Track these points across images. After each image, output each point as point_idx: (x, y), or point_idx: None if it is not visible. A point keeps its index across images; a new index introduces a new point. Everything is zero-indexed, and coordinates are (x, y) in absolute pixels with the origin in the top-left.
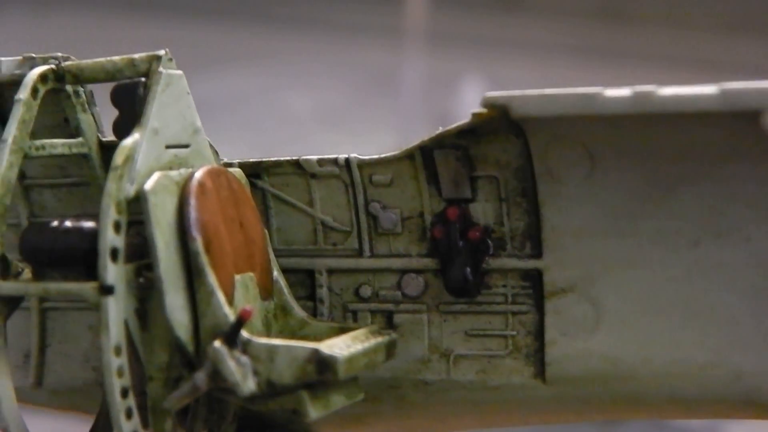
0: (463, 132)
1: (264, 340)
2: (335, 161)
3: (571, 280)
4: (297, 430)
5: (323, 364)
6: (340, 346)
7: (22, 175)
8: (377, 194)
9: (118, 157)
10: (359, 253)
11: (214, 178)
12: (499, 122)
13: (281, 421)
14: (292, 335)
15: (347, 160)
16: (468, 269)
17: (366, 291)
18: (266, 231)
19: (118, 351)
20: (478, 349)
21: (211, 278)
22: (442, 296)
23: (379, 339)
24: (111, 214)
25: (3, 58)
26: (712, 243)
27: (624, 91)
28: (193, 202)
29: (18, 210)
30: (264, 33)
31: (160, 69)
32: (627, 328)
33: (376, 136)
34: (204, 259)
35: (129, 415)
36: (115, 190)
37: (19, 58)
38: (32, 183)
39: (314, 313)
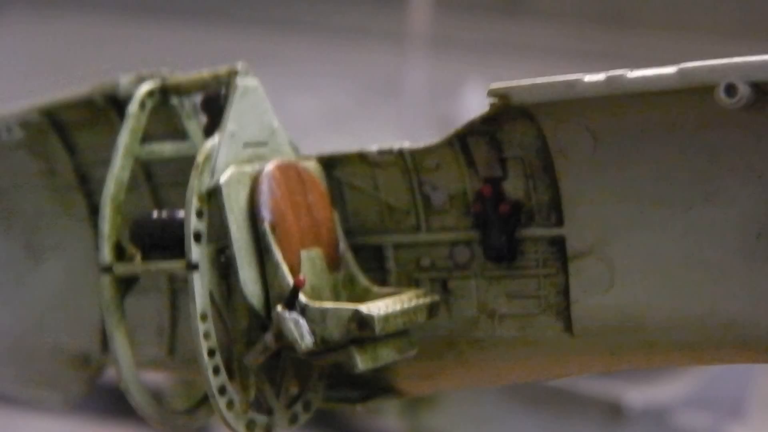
0: (488, 119)
1: (318, 304)
2: (391, 151)
3: (588, 243)
4: (382, 386)
5: (363, 322)
6: (380, 307)
7: (149, 177)
8: (428, 177)
9: (199, 157)
10: (417, 229)
11: (283, 170)
12: (512, 109)
13: (367, 379)
14: (358, 301)
15: (401, 150)
16: (503, 238)
17: (425, 261)
18: (336, 213)
19: (204, 317)
20: (517, 309)
21: (277, 254)
22: (486, 264)
23: (422, 300)
24: (194, 203)
25: (120, 78)
26: (702, 205)
27: (599, 76)
28: (261, 190)
29: (146, 206)
30: (269, 37)
31: (237, 80)
32: (636, 284)
33: (379, 139)
34: (270, 239)
35: (216, 371)
36: (197, 183)
37: (133, 76)
38: (159, 183)
39: (384, 283)
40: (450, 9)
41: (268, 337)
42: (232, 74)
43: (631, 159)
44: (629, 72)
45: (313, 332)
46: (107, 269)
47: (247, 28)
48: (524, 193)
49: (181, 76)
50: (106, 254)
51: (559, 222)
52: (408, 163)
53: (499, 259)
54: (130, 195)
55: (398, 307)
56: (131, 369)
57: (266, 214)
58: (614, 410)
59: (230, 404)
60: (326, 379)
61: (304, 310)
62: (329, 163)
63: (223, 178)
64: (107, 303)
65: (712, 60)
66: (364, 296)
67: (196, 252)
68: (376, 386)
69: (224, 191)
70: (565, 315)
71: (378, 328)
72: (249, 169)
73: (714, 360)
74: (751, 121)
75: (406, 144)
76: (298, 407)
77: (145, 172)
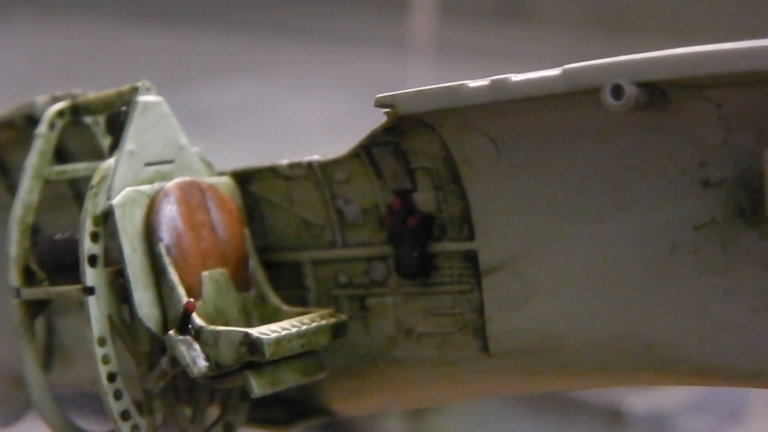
0: (390, 129)
1: (211, 327)
2: (300, 164)
3: (500, 258)
4: (312, 405)
5: (252, 345)
6: (273, 329)
7: (77, 195)
8: (340, 190)
9: (94, 178)
10: (333, 245)
11: (184, 188)
12: (409, 119)
13: (296, 398)
14: (268, 321)
15: (310, 163)
16: (414, 253)
17: (342, 278)
18: (246, 230)
19: (101, 342)
20: (435, 327)
21: (173, 276)
22: (402, 280)
23: (324, 321)
24: (88, 226)
25: (37, 99)
26: (614, 216)
27: (483, 81)
28: (157, 210)
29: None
30: (270, 43)
31: (137, 98)
32: (549, 302)
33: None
34: (165, 260)
35: (117, 396)
36: (91, 205)
37: (48, 97)
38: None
39: (303, 301)
40: (451, 16)
41: (164, 362)
42: (133, 91)
43: (537, 168)
44: (514, 76)
45: (207, 356)
46: (16, 293)
47: (249, 34)
48: (435, 206)
49: (92, 95)
50: (14, 278)
51: (471, 235)
52: (319, 176)
53: (411, 275)
54: (60, 214)
55: (294, 330)
56: (43, 390)
57: (162, 235)
58: (614, 415)
59: (135, 428)
60: (250, 400)
61: (198, 333)
62: (243, 179)
63: (116, 200)
64: (17, 326)
65: (599, 60)
66: (275, 316)
67: (92, 276)
68: (306, 406)
69: (117, 212)
70: (481, 333)
71: (268, 353)
72: (146, 188)
73: (637, 383)
74: (654, 123)
75: (316, 156)
76: (218, 429)
77: (74, 190)
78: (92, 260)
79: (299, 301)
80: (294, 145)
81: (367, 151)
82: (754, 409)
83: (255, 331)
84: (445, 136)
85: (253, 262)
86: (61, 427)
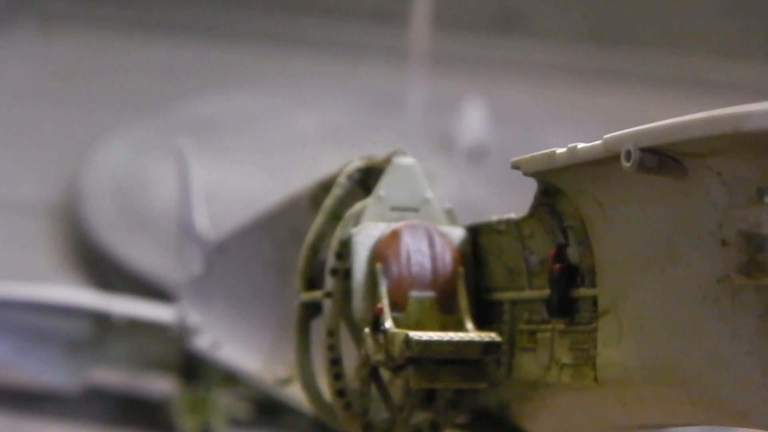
0: (545, 192)
1: (391, 328)
2: (504, 221)
3: (608, 303)
4: (510, 426)
5: (408, 344)
6: (431, 335)
7: None
8: (527, 244)
9: (349, 213)
10: (523, 288)
11: (413, 228)
12: (548, 183)
13: (498, 417)
14: None
15: (508, 220)
16: (555, 297)
17: (526, 315)
18: (461, 269)
19: (330, 334)
20: (572, 359)
21: (383, 290)
22: (558, 320)
23: (478, 338)
24: (334, 247)
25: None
26: (669, 270)
27: (562, 149)
28: (384, 239)
29: None
30: (271, 55)
31: (394, 159)
32: (633, 340)
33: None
34: (380, 278)
35: (337, 378)
36: (340, 232)
37: (359, 161)
38: None
39: (498, 332)
40: (450, 28)
41: (362, 353)
42: (392, 154)
43: (625, 227)
44: (579, 145)
45: (386, 350)
46: (297, 297)
47: (251, 45)
48: (579, 258)
49: (376, 157)
50: (298, 286)
51: (594, 284)
52: (514, 231)
53: (553, 314)
54: None
55: (446, 338)
56: (311, 380)
57: (381, 259)
58: None
59: (348, 406)
60: (457, 409)
61: (384, 333)
62: (474, 231)
63: (356, 228)
64: (295, 325)
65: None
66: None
67: (330, 284)
68: (508, 425)
69: (354, 238)
70: (594, 365)
71: (416, 350)
72: (383, 224)
73: (698, 421)
74: (684, 189)
75: (513, 215)
76: (424, 424)
77: None
78: (333, 272)
79: (497, 333)
80: (295, 154)
81: (537, 211)
82: None
83: (414, 334)
84: (573, 198)
85: (462, 294)
86: (324, 409)
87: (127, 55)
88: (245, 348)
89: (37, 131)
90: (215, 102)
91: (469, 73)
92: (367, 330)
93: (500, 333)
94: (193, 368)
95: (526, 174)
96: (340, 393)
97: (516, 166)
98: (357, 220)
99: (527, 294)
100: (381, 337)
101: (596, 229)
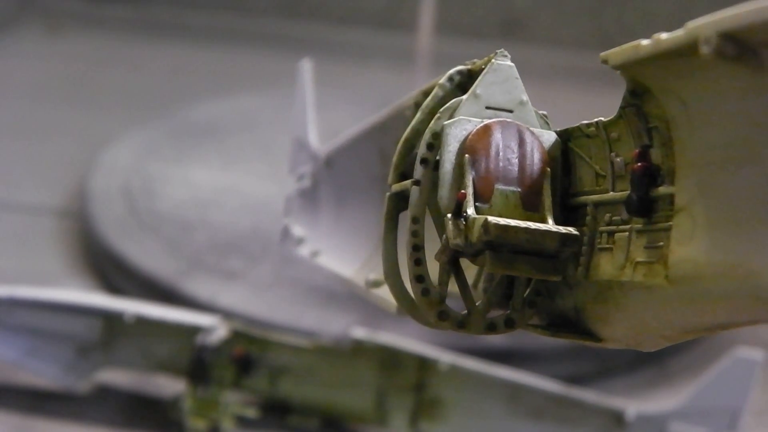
0: (633, 93)
1: (472, 214)
2: (591, 124)
3: (684, 201)
4: (583, 329)
5: (486, 228)
6: (509, 221)
7: None
8: (614, 146)
9: (442, 108)
10: (608, 191)
11: (504, 125)
12: (637, 82)
13: (571, 318)
14: None
15: (597, 123)
16: (635, 196)
17: (607, 217)
18: (548, 169)
19: (414, 220)
20: (646, 257)
21: (469, 181)
22: (635, 219)
23: (556, 230)
24: (427, 138)
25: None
26: (749, 167)
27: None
28: (476, 133)
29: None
30: (277, 58)
31: (494, 60)
32: (707, 238)
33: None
34: (468, 168)
35: (418, 263)
36: (433, 124)
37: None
38: None
39: (583, 237)
40: (452, 31)
41: (444, 237)
42: (493, 56)
43: (708, 125)
44: (662, 34)
45: (465, 236)
46: (389, 188)
47: (256, 48)
48: (661, 159)
49: (479, 62)
50: (391, 177)
51: (673, 182)
52: (602, 134)
53: (633, 213)
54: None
55: (524, 225)
56: (395, 266)
57: (471, 151)
58: (617, 419)
59: (425, 292)
60: (533, 308)
61: (465, 219)
62: (565, 137)
63: (449, 121)
64: (385, 215)
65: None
66: None
67: (419, 172)
68: (580, 326)
69: (446, 129)
70: (665, 263)
71: (494, 234)
72: (476, 119)
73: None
74: (754, 83)
75: (602, 117)
76: (499, 319)
77: None
78: (423, 161)
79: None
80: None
81: (625, 113)
82: (749, 417)
83: (493, 218)
84: (658, 97)
85: (547, 193)
86: (404, 297)
87: (134, 56)
88: (343, 256)
89: (46, 132)
90: (222, 104)
91: None
92: (449, 215)
93: (582, 235)
94: (202, 369)
95: (615, 67)
96: (418, 278)
97: (604, 60)
98: (451, 114)
99: (610, 196)
100: (461, 223)
101: (679, 129)
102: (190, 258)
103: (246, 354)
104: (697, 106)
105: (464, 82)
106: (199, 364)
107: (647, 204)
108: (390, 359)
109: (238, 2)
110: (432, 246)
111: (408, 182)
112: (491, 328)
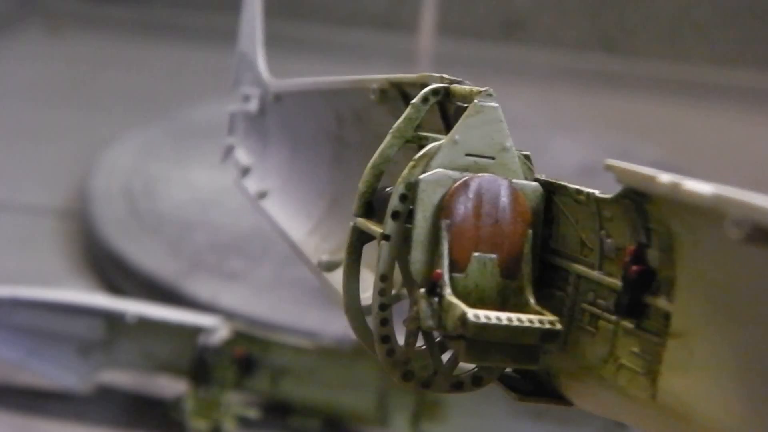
0: (636, 191)
1: (449, 297)
2: (583, 193)
3: (683, 328)
4: (551, 388)
5: (464, 322)
6: (489, 316)
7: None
8: (605, 225)
9: (419, 153)
10: (593, 267)
11: (484, 183)
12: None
13: (542, 379)
14: (518, 308)
15: (589, 194)
16: (627, 296)
17: (590, 297)
18: (530, 231)
19: (383, 278)
20: (631, 364)
21: (444, 249)
22: (624, 317)
23: (538, 326)
24: (400, 189)
25: (432, 75)
26: (754, 326)
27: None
28: (453, 194)
29: None
30: (279, 59)
31: (476, 99)
32: (704, 379)
33: None
34: (443, 234)
35: (384, 323)
36: (407, 174)
37: (438, 78)
38: None
39: (558, 302)
40: (454, 32)
41: (414, 309)
42: (476, 94)
43: (721, 270)
44: (686, 183)
45: (439, 318)
46: (354, 219)
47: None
48: (659, 264)
49: (458, 87)
50: (356, 208)
51: (671, 297)
52: (593, 207)
53: (620, 314)
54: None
55: (504, 323)
56: (354, 300)
57: (448, 215)
58: (618, 422)
59: (390, 353)
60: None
61: (440, 299)
62: (550, 189)
63: (425, 176)
64: (347, 245)
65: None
66: (522, 308)
67: (391, 227)
68: (550, 389)
69: (421, 186)
70: (654, 383)
71: (470, 332)
72: (454, 174)
73: None
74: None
75: (596, 191)
76: (466, 377)
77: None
78: (395, 215)
79: (555, 300)
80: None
81: (622, 202)
82: None
83: (471, 313)
84: (664, 213)
85: (527, 259)
86: (364, 334)
87: (135, 57)
88: (292, 209)
89: (47, 133)
90: (224, 105)
91: (472, 78)
92: (422, 291)
93: (561, 303)
94: (204, 369)
95: (619, 182)
96: (384, 338)
97: (609, 169)
98: (427, 163)
99: (596, 276)
100: (435, 302)
101: (684, 248)
102: (191, 258)
103: (247, 355)
104: (709, 248)
105: (441, 102)
106: (200, 364)
107: (639, 309)
108: None
109: (239, 3)
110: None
111: (376, 228)
112: (457, 386)
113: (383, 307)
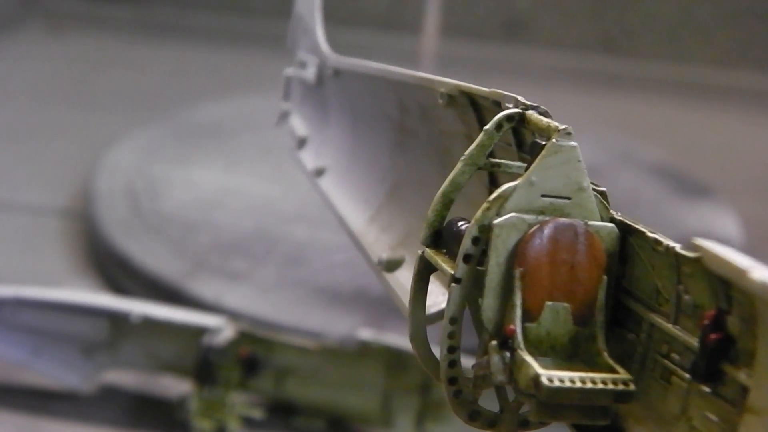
0: None
1: (524, 355)
2: (662, 244)
3: (763, 406)
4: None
5: (537, 384)
6: (563, 379)
7: (494, 184)
8: (684, 280)
9: (493, 195)
10: (669, 319)
11: (560, 229)
12: None
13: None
14: (589, 357)
15: (667, 247)
16: (703, 362)
17: (665, 349)
18: (605, 277)
19: (453, 321)
20: (705, 428)
21: (518, 298)
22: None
23: (611, 387)
24: (473, 231)
25: (512, 98)
26: None
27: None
28: (528, 240)
29: None
30: (282, 59)
31: (554, 138)
32: None
33: None
34: (517, 283)
35: (452, 365)
36: (481, 216)
37: (514, 100)
38: None
39: (629, 347)
40: (457, 34)
41: (484, 360)
42: (554, 131)
43: None
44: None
45: (510, 372)
46: (422, 249)
47: (260, 49)
48: (739, 332)
49: (535, 116)
50: (424, 237)
51: (750, 371)
52: (672, 260)
53: (697, 377)
54: (476, 204)
55: (578, 386)
56: (420, 330)
57: (523, 263)
58: None
59: (457, 393)
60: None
61: (513, 353)
62: (624, 227)
63: (499, 220)
64: (414, 275)
65: None
66: (593, 357)
67: (462, 270)
68: (613, 427)
69: (495, 231)
70: None
71: (543, 396)
72: (530, 218)
73: None
74: None
75: (676, 245)
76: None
77: (492, 180)
78: (467, 258)
79: (626, 343)
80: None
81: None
82: None
83: (545, 376)
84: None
85: (600, 307)
86: (429, 362)
87: (137, 57)
88: (351, 192)
89: (50, 133)
90: (226, 105)
91: (474, 79)
92: (494, 344)
93: (632, 347)
94: (208, 370)
95: (705, 267)
96: (451, 380)
97: (698, 250)
98: (502, 204)
99: (672, 330)
100: (507, 357)
101: (766, 324)
102: (195, 259)
103: (252, 355)
104: None
105: (515, 128)
106: (205, 364)
107: (715, 375)
108: (396, 360)
109: (240, 3)
110: None
111: (447, 266)
112: (524, 425)
113: (451, 350)
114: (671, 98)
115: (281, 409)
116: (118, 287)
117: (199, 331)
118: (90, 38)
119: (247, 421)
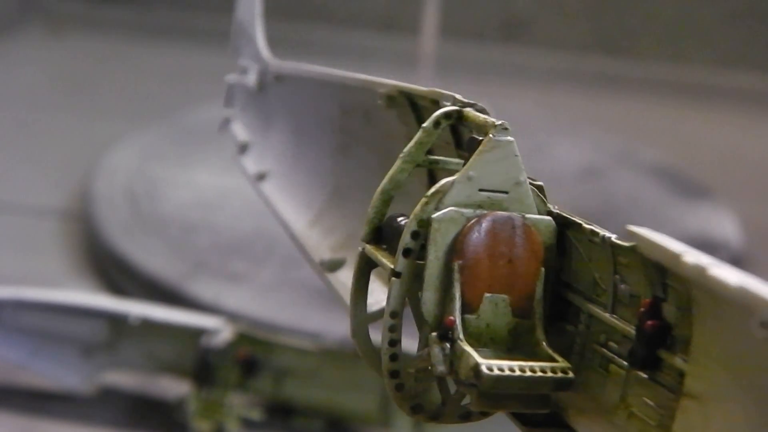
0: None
1: (464, 345)
2: (598, 234)
3: (699, 391)
4: (560, 419)
5: (477, 374)
6: (503, 367)
7: (432, 182)
8: (620, 270)
9: (431, 189)
10: (606, 308)
11: (497, 222)
12: None
13: (555, 413)
14: (527, 349)
15: (604, 237)
16: (640, 350)
17: (602, 338)
18: (543, 269)
19: (393, 315)
20: (644, 414)
21: (457, 291)
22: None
23: (551, 375)
24: (412, 225)
25: (447, 95)
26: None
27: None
28: (466, 234)
29: None
30: (279, 58)
31: (492, 134)
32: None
33: None
34: (456, 276)
35: (393, 359)
36: (420, 210)
37: (451, 97)
38: None
39: (568, 338)
40: (456, 36)
41: (424, 352)
42: (494, 127)
43: (740, 349)
44: (712, 268)
45: (450, 363)
46: (361, 245)
47: None
48: (675, 320)
49: (471, 113)
50: (364, 233)
51: (686, 356)
52: (608, 252)
53: (632, 365)
54: (414, 199)
55: (517, 374)
56: (362, 325)
57: (461, 256)
58: None
59: (399, 387)
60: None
61: (452, 344)
62: (562, 221)
63: (438, 215)
64: (355, 271)
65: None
66: (534, 347)
67: (402, 264)
68: (560, 422)
69: (434, 225)
70: None
71: (485, 386)
72: (468, 212)
73: None
74: None
75: (612, 235)
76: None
77: (431, 177)
78: (407, 252)
79: (565, 335)
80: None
81: (640, 256)
82: None
83: (485, 365)
84: (685, 282)
85: (539, 299)
86: (371, 357)
87: (136, 59)
88: (292, 196)
89: (49, 135)
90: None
91: (474, 80)
92: (434, 335)
93: (571, 339)
94: (207, 371)
95: (639, 252)
96: (393, 373)
97: (632, 237)
98: (440, 200)
99: (609, 319)
100: (447, 348)
101: (703, 315)
102: (194, 260)
103: (251, 356)
104: (730, 334)
105: (453, 125)
106: (203, 365)
107: (653, 362)
108: None
109: None
110: None
111: (387, 261)
112: (465, 417)
113: (392, 343)
114: (671, 99)
115: (280, 410)
116: (117, 288)
117: (198, 333)
118: (89, 40)
119: (246, 422)
